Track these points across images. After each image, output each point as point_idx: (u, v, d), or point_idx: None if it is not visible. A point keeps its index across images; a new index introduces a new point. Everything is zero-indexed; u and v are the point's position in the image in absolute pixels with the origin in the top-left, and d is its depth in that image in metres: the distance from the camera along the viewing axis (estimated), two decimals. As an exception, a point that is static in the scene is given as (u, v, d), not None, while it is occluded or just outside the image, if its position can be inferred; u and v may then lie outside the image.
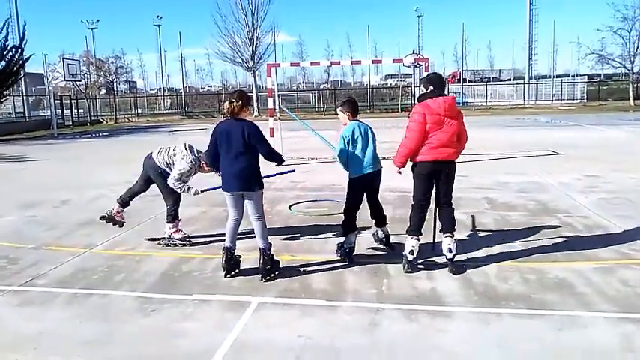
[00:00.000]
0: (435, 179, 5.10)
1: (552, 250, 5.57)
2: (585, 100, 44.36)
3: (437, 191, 5.20)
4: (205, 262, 5.55)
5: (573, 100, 45.48)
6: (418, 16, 66.83)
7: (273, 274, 5.01)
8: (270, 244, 5.11)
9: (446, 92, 5.14)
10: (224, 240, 5.15)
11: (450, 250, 5.03)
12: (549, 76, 63.68)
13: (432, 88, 5.04)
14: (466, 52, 70.08)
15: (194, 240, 6.31)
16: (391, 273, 5.03)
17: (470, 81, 66.83)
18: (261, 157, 5.04)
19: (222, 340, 3.76)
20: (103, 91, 48.31)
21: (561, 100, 45.77)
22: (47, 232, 7.00)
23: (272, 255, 5.09)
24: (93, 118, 39.39)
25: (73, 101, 38.13)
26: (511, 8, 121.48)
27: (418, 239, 5.11)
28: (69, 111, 36.99)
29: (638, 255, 5.37)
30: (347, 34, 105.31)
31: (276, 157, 5.19)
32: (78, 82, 36.91)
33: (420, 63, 17.09)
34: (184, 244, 6.18)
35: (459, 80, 64.63)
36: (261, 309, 4.32)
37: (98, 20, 64.38)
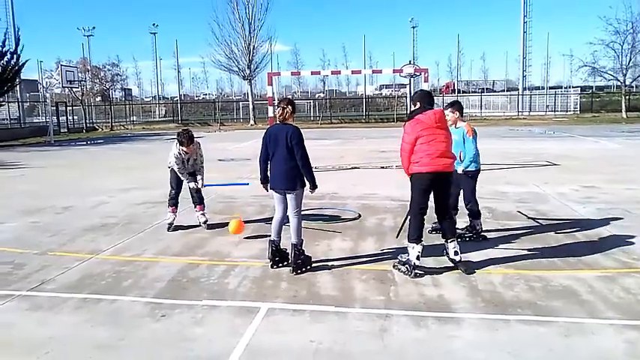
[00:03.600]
0: (434, 189, 5.28)
1: (555, 259, 5.65)
2: (578, 112, 44.76)
3: (437, 201, 5.37)
4: (212, 268, 5.58)
5: (567, 111, 45.88)
6: (413, 27, 67.60)
7: (304, 269, 5.38)
8: (302, 240, 5.48)
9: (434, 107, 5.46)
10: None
11: (456, 253, 5.31)
12: (543, 88, 64.34)
13: (419, 104, 5.34)
14: (460, 62, 70.94)
15: (198, 250, 6.35)
16: (397, 280, 5.09)
17: (464, 91, 67.40)
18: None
19: (234, 344, 3.80)
20: (99, 98, 48.20)
21: (555, 111, 46.15)
22: (51, 237, 7.01)
23: (303, 250, 5.48)
24: (88, 125, 39.30)
25: (68, 108, 38.07)
26: (505, 20, 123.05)
27: (422, 245, 5.25)
28: (64, 118, 36.91)
29: (638, 264, 5.46)
30: (342, 44, 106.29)
31: (309, 173, 5.41)
32: (74, 89, 36.82)
33: (418, 73, 17.25)
34: (203, 227, 7.31)
35: (453, 91, 65.15)
36: (271, 315, 4.36)
37: (94, 27, 64.95)
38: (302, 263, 5.41)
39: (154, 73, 77.83)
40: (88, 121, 40.17)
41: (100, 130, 39.57)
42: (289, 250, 5.45)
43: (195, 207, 7.42)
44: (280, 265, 5.52)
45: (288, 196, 5.44)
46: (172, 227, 7.30)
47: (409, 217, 5.42)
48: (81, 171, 14.93)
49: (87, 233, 7.21)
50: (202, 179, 7.33)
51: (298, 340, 3.87)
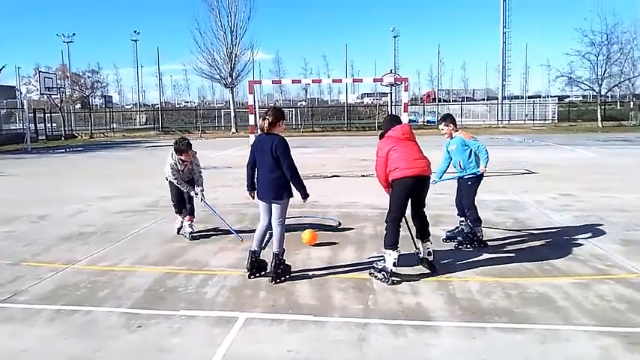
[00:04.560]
0: (414, 193, 5.50)
1: (531, 266, 5.72)
2: (556, 121, 45.60)
3: (413, 204, 5.60)
4: (190, 277, 5.53)
5: (545, 120, 46.68)
6: (394, 37, 68.11)
7: (284, 278, 5.37)
8: (284, 249, 5.46)
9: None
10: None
11: (430, 254, 5.59)
12: (522, 97, 65.24)
13: (386, 126, 5.77)
14: (441, 72, 71.48)
15: (178, 259, 6.29)
16: (376, 289, 5.10)
17: (444, 100, 68.03)
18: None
19: (212, 355, 3.76)
20: (78, 106, 47.65)
21: (533, 120, 46.90)
22: (25, 247, 6.88)
23: (284, 260, 5.47)
24: (67, 133, 38.80)
25: (46, 115, 37.52)
26: (485, 31, 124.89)
27: (398, 251, 5.36)
28: (42, 125, 36.36)
29: (612, 271, 5.55)
30: (324, 53, 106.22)
31: (298, 182, 5.37)
32: (53, 96, 36.33)
33: (398, 82, 17.42)
34: (186, 237, 7.15)
35: (433, 100, 65.73)
36: (249, 324, 4.33)
37: (74, 34, 64.18)
38: (282, 272, 5.39)
39: (135, 81, 77.24)
40: (67, 128, 39.67)
41: (80, 137, 39.08)
42: (270, 260, 5.42)
43: (184, 217, 7.33)
44: (257, 275, 5.48)
45: (273, 205, 5.40)
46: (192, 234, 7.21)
47: (387, 223, 5.47)
48: (59, 179, 14.72)
49: (63, 242, 7.09)
50: (202, 190, 7.27)
51: (276, 350, 3.85)
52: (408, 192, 5.43)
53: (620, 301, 4.69)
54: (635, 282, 5.19)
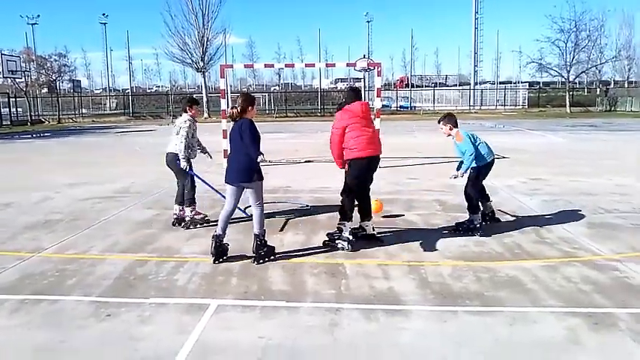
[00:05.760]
0: (367, 173, 5.97)
1: (502, 250, 5.81)
2: (527, 107, 46.32)
3: (364, 185, 6.08)
4: (161, 265, 5.44)
5: (516, 105, 47.38)
6: (368, 21, 68.04)
7: (267, 259, 5.46)
8: (265, 230, 5.50)
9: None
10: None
11: (373, 229, 6.17)
12: (493, 83, 66.07)
13: (347, 99, 6.03)
14: (414, 57, 71.94)
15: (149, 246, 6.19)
16: (349, 273, 5.11)
17: (417, 86, 68.41)
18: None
19: (182, 343, 3.71)
20: (45, 90, 46.33)
21: (504, 105, 47.57)
22: (-11, 236, 6.67)
23: (266, 241, 5.54)
24: (34, 118, 37.72)
25: (11, 100, 36.38)
26: (458, 16, 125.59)
27: (352, 221, 5.96)
28: (7, 110, 35.26)
29: (579, 253, 5.68)
30: (297, 38, 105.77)
31: (251, 150, 5.31)
32: (17, 80, 35.20)
33: (372, 67, 17.38)
34: (203, 224, 6.95)
35: (407, 85, 66.06)
36: (221, 311, 4.28)
37: (39, 15, 62.07)
38: (265, 254, 5.46)
39: (105, 65, 75.45)
40: (33, 113, 38.51)
41: (47, 122, 38.06)
42: (252, 242, 5.48)
43: (191, 206, 7.00)
44: (222, 259, 5.47)
45: (247, 190, 5.45)
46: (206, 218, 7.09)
47: (343, 197, 6.03)
48: (24, 166, 14.32)
49: (28, 230, 6.90)
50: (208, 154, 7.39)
51: (248, 337, 3.82)
52: (365, 171, 5.91)
53: (586, 282, 4.80)
54: (600, 263, 5.32)
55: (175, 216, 7.08)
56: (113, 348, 3.72)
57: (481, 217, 6.57)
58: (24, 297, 4.61)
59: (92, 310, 4.33)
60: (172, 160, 6.89)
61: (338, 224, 5.99)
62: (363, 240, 6.04)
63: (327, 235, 6.09)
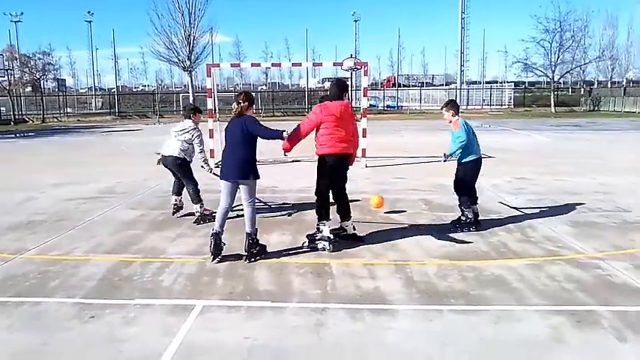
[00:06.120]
0: (338, 170, 5.91)
1: (488, 249, 5.85)
2: (512, 106, 46.74)
3: (337, 184, 5.99)
4: (145, 265, 5.40)
5: (501, 105, 47.78)
6: (355, 21, 68.12)
7: (258, 257, 5.49)
8: (257, 229, 5.53)
9: (345, 98, 6.02)
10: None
11: (354, 229, 6.16)
12: (479, 82, 66.49)
13: (331, 94, 5.95)
14: (401, 57, 72.14)
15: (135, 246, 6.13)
16: (335, 273, 5.11)
17: (404, 85, 68.60)
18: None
19: (167, 344, 3.68)
20: (29, 89, 45.74)
21: (490, 105, 47.93)
22: (-29, 237, 6.57)
23: (257, 240, 5.58)
24: (17, 117, 37.24)
25: (-6, 99, 35.94)
26: (444, 16, 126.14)
27: (330, 220, 5.91)
28: (-11, 109, 34.82)
29: (562, 252, 5.74)
30: (285, 37, 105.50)
31: (276, 134, 5.57)
32: (0, 79, 34.73)
33: (358, 67, 17.38)
34: (212, 220, 6.62)
35: (393, 85, 66.25)
36: (206, 312, 4.26)
37: (22, 13, 61.32)
38: (257, 252, 5.50)
39: (90, 63, 74.66)
40: (16, 112, 38.00)
41: (31, 122, 37.60)
42: (244, 240, 5.52)
43: (199, 203, 7.25)
44: (221, 258, 5.46)
45: (241, 186, 5.49)
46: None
47: (317, 197, 5.96)
48: (7, 165, 14.13)
49: (11, 231, 6.81)
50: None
51: (233, 338, 3.80)
52: (335, 168, 5.84)
53: (569, 280, 4.85)
54: (583, 262, 5.38)
55: (175, 206, 7.49)
56: (97, 350, 3.68)
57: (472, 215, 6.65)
58: (6, 299, 4.55)
59: (76, 311, 4.28)
60: (173, 162, 7.18)
61: (317, 224, 5.96)
62: (345, 240, 6.04)
63: (307, 236, 6.03)
